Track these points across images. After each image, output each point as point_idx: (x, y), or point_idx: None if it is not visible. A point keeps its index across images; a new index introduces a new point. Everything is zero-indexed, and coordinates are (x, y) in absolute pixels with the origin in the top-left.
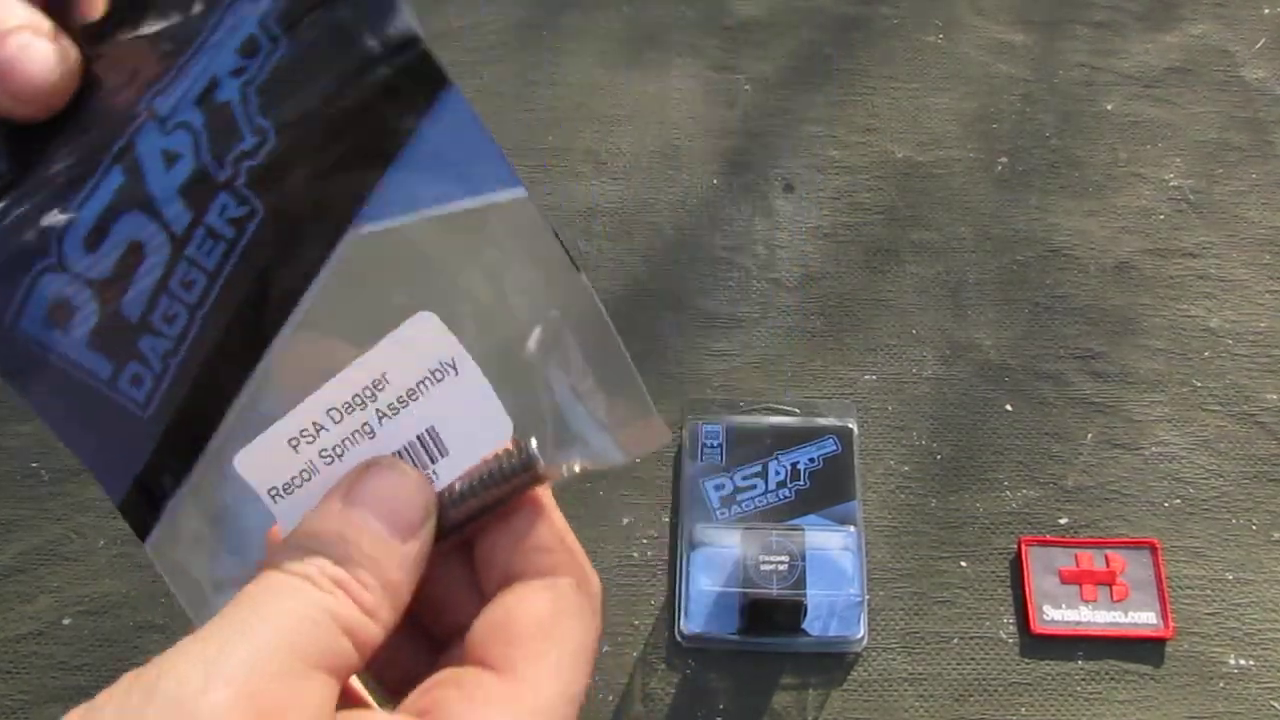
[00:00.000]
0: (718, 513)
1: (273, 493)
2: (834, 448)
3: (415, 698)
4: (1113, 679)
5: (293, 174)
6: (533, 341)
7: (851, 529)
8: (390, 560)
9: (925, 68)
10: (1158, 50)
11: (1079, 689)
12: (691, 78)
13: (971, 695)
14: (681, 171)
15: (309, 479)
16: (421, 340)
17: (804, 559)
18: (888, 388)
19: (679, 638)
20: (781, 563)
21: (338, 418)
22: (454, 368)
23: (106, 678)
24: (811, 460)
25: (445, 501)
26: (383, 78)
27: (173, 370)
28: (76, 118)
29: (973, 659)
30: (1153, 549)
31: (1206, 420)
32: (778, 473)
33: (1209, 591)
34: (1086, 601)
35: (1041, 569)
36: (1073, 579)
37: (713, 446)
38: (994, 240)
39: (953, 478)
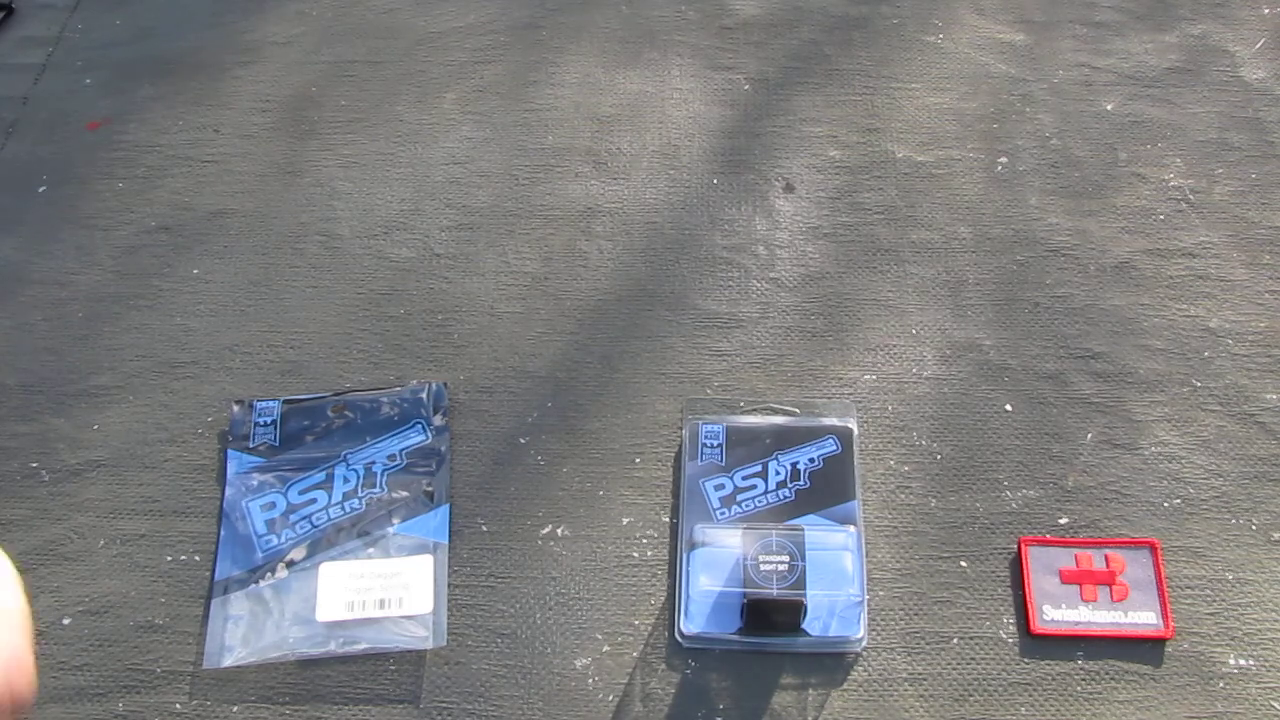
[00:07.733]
0: (718, 513)
1: None
2: (834, 448)
3: None
4: (1112, 679)
5: None
6: None
7: (851, 529)
8: None
9: (925, 68)
10: (1158, 50)
11: (1079, 689)
12: (691, 78)
13: (971, 695)
14: (681, 171)
15: None
16: None
17: (804, 559)
18: (888, 388)
19: (679, 638)
20: (781, 563)
21: None
22: None
23: (106, 677)
24: (811, 460)
25: None
26: None
27: None
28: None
29: (973, 659)
30: (1153, 549)
31: (1206, 420)
32: (778, 473)
33: (1209, 591)
34: (1086, 602)
35: (1041, 569)
36: (1073, 579)
37: (713, 446)
38: (994, 240)
39: (953, 478)
